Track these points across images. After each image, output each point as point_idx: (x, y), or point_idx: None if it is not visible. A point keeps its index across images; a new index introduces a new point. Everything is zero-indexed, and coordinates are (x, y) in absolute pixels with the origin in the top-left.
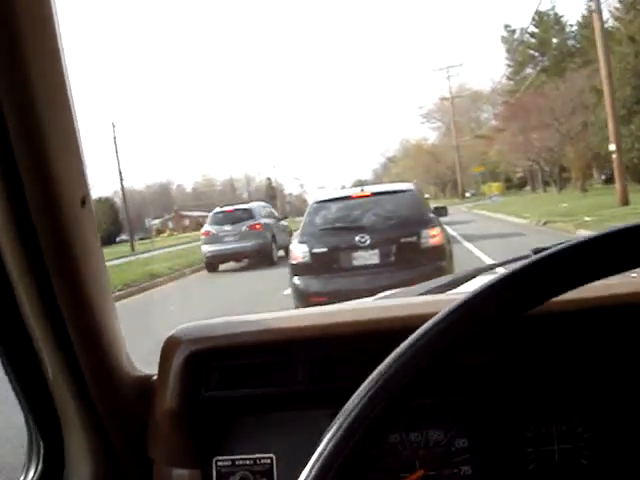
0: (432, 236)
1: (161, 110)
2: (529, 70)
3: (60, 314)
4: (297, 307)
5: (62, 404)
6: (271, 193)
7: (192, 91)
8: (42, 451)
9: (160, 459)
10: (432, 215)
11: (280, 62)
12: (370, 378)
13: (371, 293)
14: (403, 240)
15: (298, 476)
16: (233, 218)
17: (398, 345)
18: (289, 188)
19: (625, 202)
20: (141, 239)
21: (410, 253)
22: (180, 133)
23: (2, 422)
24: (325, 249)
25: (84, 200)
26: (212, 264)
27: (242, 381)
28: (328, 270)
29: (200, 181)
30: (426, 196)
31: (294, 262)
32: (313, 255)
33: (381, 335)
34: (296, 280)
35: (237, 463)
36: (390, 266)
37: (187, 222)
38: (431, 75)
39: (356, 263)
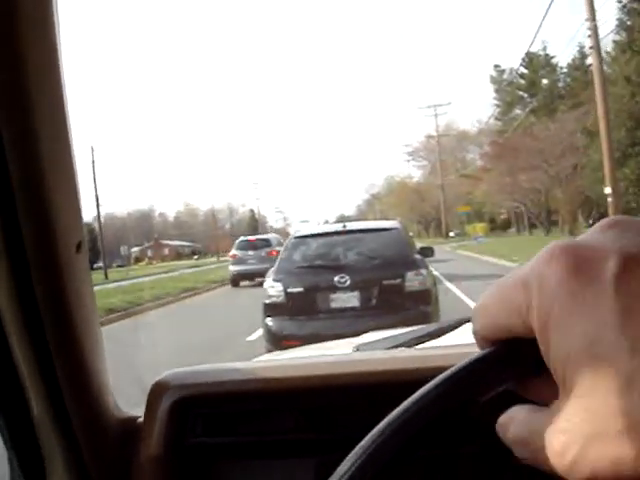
0: (418, 279)
1: (145, 136)
2: (518, 111)
3: (49, 355)
4: (268, 350)
5: (47, 444)
6: (254, 225)
7: (177, 119)
8: None
9: None
10: (418, 256)
11: (266, 93)
12: (362, 443)
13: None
14: (386, 282)
15: None
16: (255, 245)
17: (384, 398)
18: (272, 221)
19: None
20: (119, 266)
21: (393, 296)
22: (164, 160)
23: None
24: (301, 289)
25: (79, 245)
26: (236, 280)
27: (228, 428)
28: (304, 312)
29: (182, 210)
30: (409, 234)
31: (267, 301)
32: (288, 295)
33: (368, 389)
34: (269, 321)
35: None
36: (371, 310)
37: (167, 251)
38: (418, 113)
39: (334, 305)
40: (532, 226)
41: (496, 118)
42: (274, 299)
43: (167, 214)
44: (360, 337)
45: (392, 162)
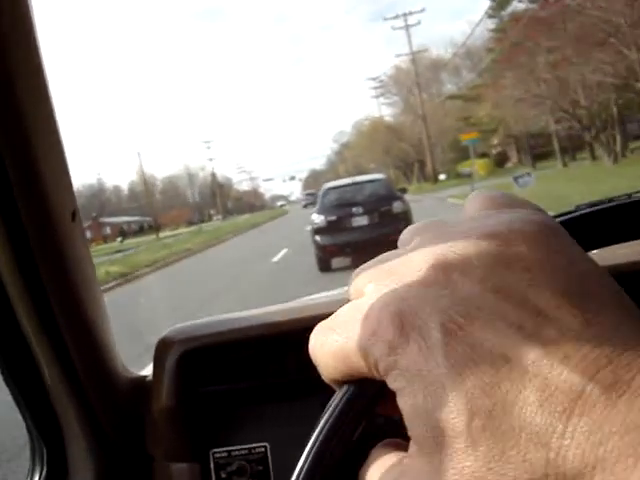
0: (400, 206)
1: (85, 97)
2: (519, 3)
3: (56, 322)
4: (318, 256)
5: (61, 408)
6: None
7: (125, 77)
8: (45, 455)
9: (160, 455)
10: (398, 193)
11: (218, 46)
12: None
13: (364, 244)
14: (382, 209)
15: (292, 462)
16: None
17: None
18: (237, 182)
19: None
20: None
21: (387, 217)
22: (109, 125)
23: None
24: (335, 217)
25: (74, 214)
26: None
27: (234, 376)
28: (337, 230)
29: (136, 180)
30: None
31: (315, 227)
32: (328, 221)
33: None
34: (317, 237)
35: (233, 454)
36: (375, 225)
37: (108, 230)
38: (383, 28)
39: (355, 224)
40: (576, 149)
41: (489, 15)
42: (319, 224)
43: (121, 186)
44: None
45: (360, 106)
